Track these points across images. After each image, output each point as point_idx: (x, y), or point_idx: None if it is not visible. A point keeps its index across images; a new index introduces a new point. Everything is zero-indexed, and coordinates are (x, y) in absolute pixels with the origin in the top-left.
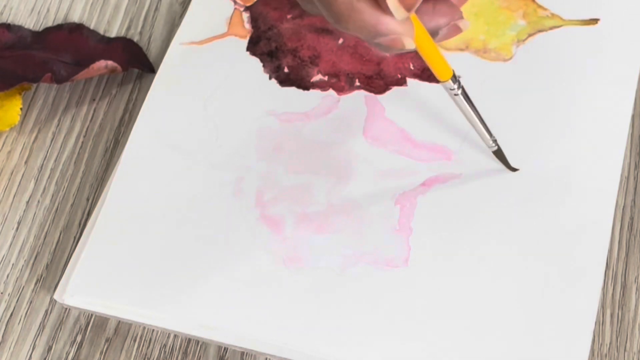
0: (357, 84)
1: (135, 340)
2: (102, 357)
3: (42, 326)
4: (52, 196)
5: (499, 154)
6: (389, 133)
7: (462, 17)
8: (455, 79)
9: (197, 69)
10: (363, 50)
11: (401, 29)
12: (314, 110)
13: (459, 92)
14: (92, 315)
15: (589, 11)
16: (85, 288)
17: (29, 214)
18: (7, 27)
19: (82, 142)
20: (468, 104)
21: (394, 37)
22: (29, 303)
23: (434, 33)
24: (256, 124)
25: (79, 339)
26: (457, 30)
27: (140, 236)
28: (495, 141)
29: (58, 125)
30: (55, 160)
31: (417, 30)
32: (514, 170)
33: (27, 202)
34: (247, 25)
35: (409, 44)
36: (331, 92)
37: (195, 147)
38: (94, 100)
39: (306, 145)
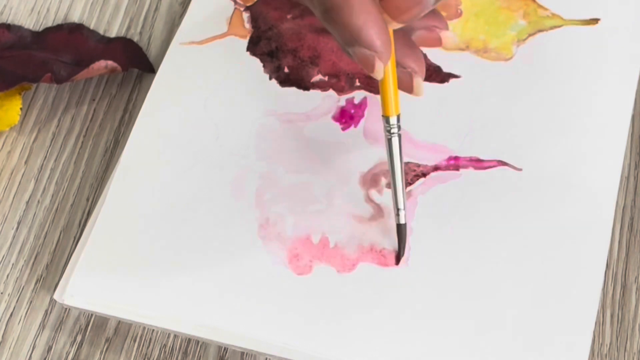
0: (358, 84)
1: (135, 340)
2: (102, 357)
3: (42, 326)
4: (52, 196)
5: (400, 231)
6: None
7: (447, 28)
8: (399, 119)
9: (197, 69)
10: None
11: (380, 48)
12: (314, 110)
13: (397, 132)
14: (92, 315)
15: (589, 11)
16: (85, 288)
17: (29, 214)
18: (7, 27)
19: (82, 142)
20: (400, 151)
21: (368, 56)
22: (29, 303)
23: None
24: (256, 124)
25: (79, 339)
26: (437, 41)
27: (140, 236)
28: (400, 212)
29: (58, 125)
30: (55, 160)
31: (391, 61)
32: (400, 257)
33: (27, 202)
34: (247, 25)
35: (379, 72)
36: (331, 92)
37: (195, 146)
38: (93, 100)
39: (306, 145)
